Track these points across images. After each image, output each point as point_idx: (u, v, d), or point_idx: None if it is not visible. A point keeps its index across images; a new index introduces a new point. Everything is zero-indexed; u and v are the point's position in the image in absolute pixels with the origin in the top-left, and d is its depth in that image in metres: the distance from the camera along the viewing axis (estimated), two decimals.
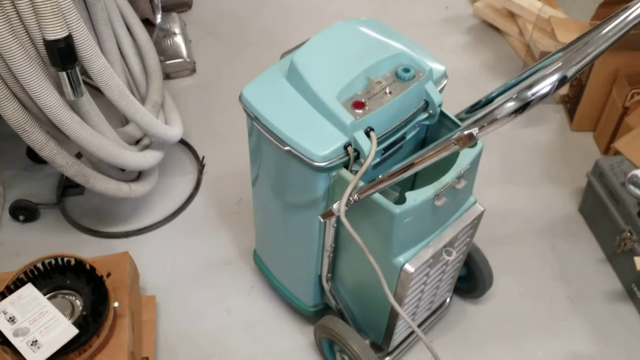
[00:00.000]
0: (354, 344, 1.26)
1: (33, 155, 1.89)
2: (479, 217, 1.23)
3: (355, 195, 1.02)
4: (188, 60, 2.21)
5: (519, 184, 1.88)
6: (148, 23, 2.01)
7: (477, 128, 0.79)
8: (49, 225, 1.77)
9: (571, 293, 1.59)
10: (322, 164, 1.03)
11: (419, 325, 1.45)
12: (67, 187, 1.83)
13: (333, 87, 1.05)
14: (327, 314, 1.43)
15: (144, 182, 1.65)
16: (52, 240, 1.73)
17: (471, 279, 1.49)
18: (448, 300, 1.51)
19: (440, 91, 1.16)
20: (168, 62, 2.19)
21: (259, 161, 1.25)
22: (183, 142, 1.98)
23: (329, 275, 1.31)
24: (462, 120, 1.18)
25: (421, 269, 1.14)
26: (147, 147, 1.65)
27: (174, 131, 1.63)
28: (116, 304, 1.30)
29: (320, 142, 1.03)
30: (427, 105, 1.14)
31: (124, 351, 1.28)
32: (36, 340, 1.20)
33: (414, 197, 1.04)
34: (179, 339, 1.52)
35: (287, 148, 1.05)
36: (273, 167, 1.20)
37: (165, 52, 2.20)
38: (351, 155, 1.04)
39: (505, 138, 2.01)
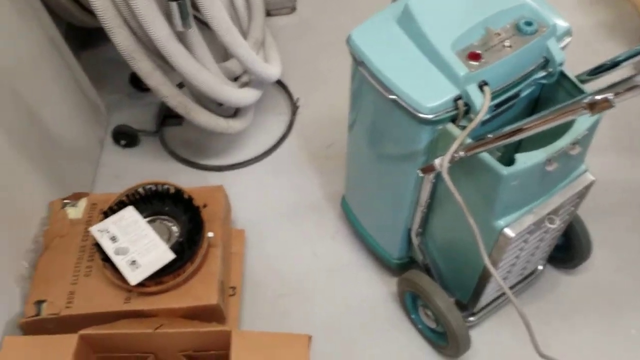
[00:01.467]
0: (439, 301, 1.25)
1: (136, 83, 1.94)
2: (588, 187, 1.16)
3: (462, 152, 0.98)
4: None
5: (626, 154, 1.75)
6: None
7: (612, 93, 0.72)
8: (148, 152, 1.84)
9: None
10: (429, 116, 0.99)
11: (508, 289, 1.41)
12: (167, 117, 1.88)
13: (448, 35, 1.00)
14: (411, 267, 1.42)
15: (241, 119, 1.67)
16: (150, 167, 1.80)
17: (569, 249, 1.43)
18: (540, 267, 1.45)
19: (563, 49, 1.08)
20: None
21: (358, 108, 1.22)
22: (278, 82, 1.97)
23: (420, 230, 1.29)
24: (582, 82, 1.10)
25: (521, 234, 1.10)
26: (245, 84, 1.66)
27: (274, 70, 1.62)
28: (210, 234, 1.34)
29: (429, 93, 0.99)
30: (546, 62, 1.06)
31: (214, 279, 1.33)
32: (135, 261, 1.26)
33: (524, 160, 0.98)
34: (264, 273, 1.56)
35: (392, 97, 1.01)
36: (374, 115, 1.17)
37: None
38: (461, 110, 1.00)
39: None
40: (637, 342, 1.39)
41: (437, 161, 1.03)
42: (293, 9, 2.21)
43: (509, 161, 1.00)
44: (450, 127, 1.02)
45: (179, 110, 1.47)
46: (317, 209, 1.69)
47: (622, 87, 0.72)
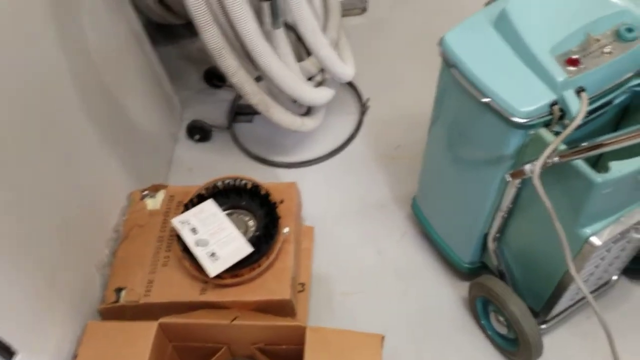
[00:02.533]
0: (514, 307, 1.24)
1: (209, 80, 1.99)
2: None
3: (556, 158, 0.98)
4: None
5: None
6: None
7: None
8: (220, 147, 1.88)
9: None
10: (523, 121, 0.99)
11: (578, 301, 1.39)
12: (238, 114, 1.92)
13: (546, 40, 0.99)
14: (481, 272, 1.41)
15: (314, 118, 1.70)
16: (222, 161, 1.84)
17: None
18: (615, 277, 1.42)
19: None
20: None
21: (443, 110, 1.23)
22: (349, 82, 1.98)
23: (497, 235, 1.28)
24: None
25: (606, 243, 1.08)
26: (320, 83, 1.68)
27: (349, 70, 1.64)
28: (286, 230, 1.37)
29: (525, 97, 0.99)
30: None
31: (288, 274, 1.35)
32: (214, 253, 1.29)
33: (619, 168, 0.97)
34: (332, 270, 1.58)
35: (485, 100, 1.02)
36: (461, 117, 1.17)
37: None
38: (555, 115, 0.99)
39: None
40: None
41: (527, 167, 1.03)
42: (364, 10, 2.23)
43: (592, 167, 0.99)
44: (544, 132, 1.01)
45: (259, 108, 1.50)
46: (385, 209, 1.70)
47: None
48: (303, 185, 1.76)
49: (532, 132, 1.03)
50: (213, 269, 1.27)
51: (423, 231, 1.59)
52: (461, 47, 1.06)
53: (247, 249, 1.29)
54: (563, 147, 0.99)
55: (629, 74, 1.03)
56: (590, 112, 1.05)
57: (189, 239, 1.31)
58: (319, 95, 1.58)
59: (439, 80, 1.18)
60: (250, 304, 1.34)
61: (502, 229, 1.27)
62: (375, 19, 2.22)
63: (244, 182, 1.42)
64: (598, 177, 0.97)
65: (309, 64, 1.64)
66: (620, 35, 1.01)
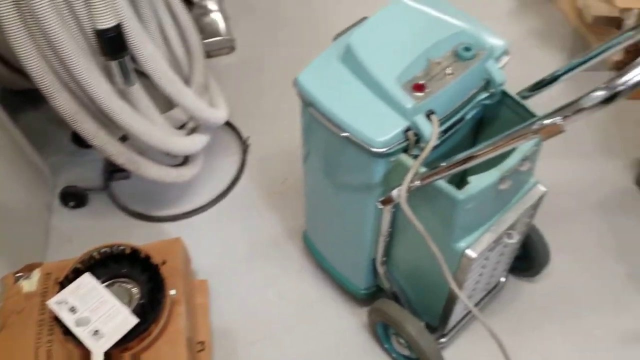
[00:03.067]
0: (410, 327, 1.25)
1: (78, 141, 1.89)
2: (541, 198, 1.19)
3: (418, 182, 0.99)
4: (227, 37, 2.18)
5: (571, 158, 1.82)
6: (186, 1, 1.98)
7: (560, 117, 0.75)
8: (99, 210, 1.79)
9: (629, 270, 1.55)
10: (382, 150, 1.00)
11: (475, 306, 1.42)
12: (113, 171, 1.83)
13: (392, 70, 1.01)
14: (379, 296, 1.42)
15: (190, 166, 1.65)
16: (102, 226, 1.74)
17: (527, 258, 1.46)
18: (503, 279, 1.48)
19: (502, 69, 1.11)
20: (207, 40, 2.16)
21: (311, 144, 1.23)
22: (226, 122, 1.95)
23: (384, 258, 1.29)
24: (524, 98, 1.14)
25: (482, 253, 1.12)
26: (193, 130, 1.64)
27: (221, 114, 1.62)
28: (173, 292, 1.31)
29: (380, 127, 1.00)
30: (487, 84, 1.09)
31: (182, 337, 1.29)
32: (98, 330, 1.21)
33: (478, 182, 1.00)
34: (232, 321, 1.53)
35: (344, 134, 1.02)
36: (327, 151, 1.17)
37: (203, 30, 2.17)
38: (411, 140, 1.01)
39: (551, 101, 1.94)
40: (603, 342, 1.42)
41: (394, 192, 1.04)
42: (232, 49, 2.22)
43: (459, 180, 1.02)
44: (404, 157, 1.03)
45: (127, 167, 1.44)
46: (279, 247, 1.67)
47: (569, 110, 0.74)
48: (192, 237, 1.70)
49: (393, 159, 1.04)
50: (98, 348, 1.19)
51: (319, 264, 1.58)
52: (315, 86, 1.06)
53: (132, 321, 1.22)
54: (423, 169, 1.01)
55: (474, 90, 1.08)
56: (444, 131, 1.09)
57: (69, 320, 1.22)
58: (192, 144, 1.54)
59: (301, 117, 1.18)
60: None
61: (388, 252, 1.28)
62: (245, 56, 2.21)
63: (121, 248, 1.34)
64: (459, 194, 0.99)
65: (179, 112, 1.60)
66: (459, 55, 1.05)
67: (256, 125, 1.96)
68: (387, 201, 1.08)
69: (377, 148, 1.00)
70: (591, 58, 1.05)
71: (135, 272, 1.32)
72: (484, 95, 1.10)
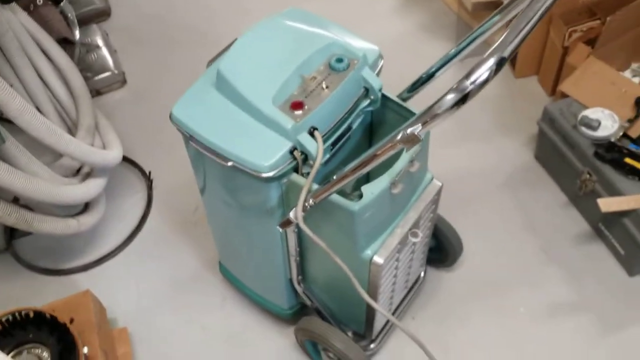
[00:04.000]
0: (337, 342, 1.23)
1: None
2: (438, 193, 1.21)
3: (311, 200, 0.98)
4: (116, 72, 2.11)
5: (470, 141, 1.86)
6: (67, 42, 1.90)
7: (419, 126, 0.75)
8: (3, 272, 1.68)
9: (542, 243, 1.60)
10: (270, 174, 0.98)
11: (399, 305, 1.43)
12: (14, 229, 1.73)
13: (267, 91, 1.00)
14: (305, 313, 1.40)
15: (92, 213, 1.58)
16: (9, 288, 1.64)
17: (441, 250, 1.48)
18: (422, 274, 1.49)
19: (378, 74, 1.12)
20: (96, 77, 2.08)
21: (203, 176, 1.19)
22: (126, 159, 1.89)
23: (300, 277, 1.27)
24: (404, 99, 1.15)
25: (390, 256, 1.12)
26: (88, 175, 1.57)
27: (113, 154, 1.55)
28: (85, 350, 1.24)
29: (264, 151, 0.98)
30: (367, 91, 1.09)
31: None
32: None
33: (371, 191, 1.00)
34: None
35: (230, 164, 1.00)
36: (220, 182, 1.15)
37: (91, 68, 2.09)
38: (299, 159, 1.00)
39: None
40: (528, 319, 1.46)
41: (291, 214, 1.03)
42: (124, 82, 2.14)
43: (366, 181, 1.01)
44: (295, 177, 1.02)
45: (19, 227, 1.36)
46: (199, 280, 1.62)
47: (426, 117, 0.74)
48: (106, 284, 1.64)
49: (285, 180, 1.03)
50: None
51: (240, 291, 1.54)
52: (192, 118, 1.03)
53: None
54: (316, 186, 1.00)
55: (354, 99, 1.08)
56: (334, 143, 1.08)
57: None
58: (86, 190, 1.47)
59: (187, 151, 1.14)
60: None
61: (303, 270, 1.27)
62: (138, 88, 2.14)
63: (24, 312, 1.27)
64: (355, 206, 0.99)
65: (68, 160, 1.52)
66: (333, 68, 1.04)
67: (157, 158, 1.90)
68: (285, 224, 1.06)
69: (265, 173, 0.98)
70: (464, 48, 1.06)
71: (43, 336, 1.25)
72: (366, 102, 1.10)
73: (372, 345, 1.38)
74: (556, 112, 1.58)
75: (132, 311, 1.57)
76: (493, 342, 1.43)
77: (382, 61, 1.14)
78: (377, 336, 1.39)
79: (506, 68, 2.05)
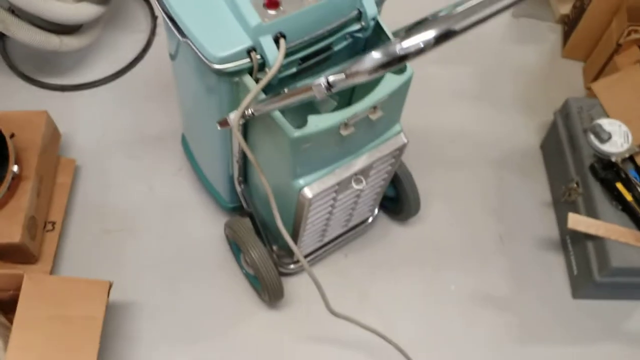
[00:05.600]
0: (254, 251, 1.22)
1: None
2: (401, 148, 1.13)
3: (250, 110, 0.92)
4: None
5: (484, 105, 1.74)
6: None
7: (342, 76, 0.66)
8: None
9: (503, 231, 1.52)
10: (220, 67, 0.91)
11: (334, 240, 1.40)
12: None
13: None
14: (243, 213, 1.38)
15: (80, 36, 1.53)
16: None
17: (398, 202, 1.42)
18: (371, 219, 1.44)
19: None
20: None
21: (174, 43, 1.12)
22: None
23: (240, 178, 1.24)
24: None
25: (323, 194, 1.07)
26: None
27: None
28: (15, 168, 1.24)
29: (220, 42, 0.90)
30: (360, 15, 0.99)
31: (21, 215, 1.25)
32: None
33: (316, 123, 0.93)
34: (94, 206, 1.48)
35: (184, 40, 0.92)
36: (182, 55, 1.08)
37: None
38: (255, 62, 0.92)
39: (486, 51, 1.84)
40: (455, 298, 1.42)
41: (231, 115, 0.97)
42: None
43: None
44: (247, 79, 0.95)
45: None
46: (164, 142, 1.60)
47: (347, 70, 0.66)
48: (75, 111, 1.63)
49: (236, 79, 0.96)
50: None
51: (194, 169, 1.52)
52: None
53: None
54: (264, 96, 0.93)
55: (342, 20, 0.97)
56: (304, 59, 0.99)
57: None
58: (75, 12, 1.41)
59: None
60: None
61: (244, 173, 1.23)
62: None
63: None
64: (294, 132, 0.92)
65: None
66: None
67: None
68: (223, 124, 1.00)
69: (215, 64, 0.91)
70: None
71: None
72: (356, 27, 1.00)
73: (291, 266, 1.37)
74: (574, 109, 1.45)
75: (89, 147, 1.56)
76: (411, 306, 1.40)
77: None
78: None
79: (557, 42, 1.87)
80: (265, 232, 1.33)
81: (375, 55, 0.62)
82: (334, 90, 0.70)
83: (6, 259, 1.29)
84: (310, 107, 1.11)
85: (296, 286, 1.39)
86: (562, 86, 1.78)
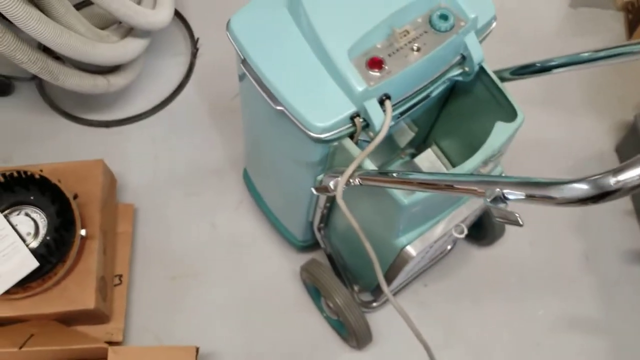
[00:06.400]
0: (339, 298, 1.15)
1: None
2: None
3: (358, 180, 0.84)
4: None
5: (551, 109, 1.64)
6: None
7: (519, 194, 0.58)
8: (24, 103, 1.59)
9: (588, 248, 1.45)
10: (321, 136, 0.82)
11: (418, 270, 1.34)
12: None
13: (346, 37, 0.80)
14: (315, 249, 1.32)
15: (125, 73, 1.44)
16: (24, 121, 1.56)
17: (480, 228, 1.35)
18: (449, 247, 1.37)
19: (483, 40, 0.91)
20: None
21: (246, 97, 1.03)
22: (176, 13, 1.71)
23: (322, 225, 1.16)
24: (503, 80, 0.95)
25: (425, 250, 0.99)
26: (130, 31, 1.40)
27: (160, 15, 1.37)
28: (83, 232, 1.17)
29: (321, 110, 0.82)
30: (463, 59, 0.90)
31: (92, 277, 1.19)
32: None
33: None
34: (157, 251, 1.42)
35: (279, 108, 0.84)
36: (263, 112, 0.98)
37: None
38: (358, 127, 0.83)
39: (544, 48, 1.73)
40: (544, 324, 1.36)
41: (332, 183, 0.89)
42: None
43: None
44: (348, 143, 0.86)
45: (43, 77, 1.23)
46: (220, 174, 1.52)
47: (534, 189, 0.58)
48: (123, 148, 1.55)
49: (335, 143, 0.87)
50: None
51: (257, 203, 1.44)
52: (250, 37, 0.86)
53: (32, 264, 1.10)
54: (369, 166, 0.85)
55: (446, 67, 0.88)
56: (402, 112, 0.91)
57: None
58: (123, 52, 1.32)
59: (237, 64, 0.97)
60: (50, 315, 1.18)
61: (326, 221, 1.15)
62: None
63: (30, 173, 1.18)
64: (405, 200, 0.84)
65: None
66: (433, 25, 0.84)
67: (212, 26, 1.69)
68: (321, 190, 0.92)
69: (316, 133, 0.82)
70: (603, 58, 0.83)
71: (44, 202, 1.17)
72: (457, 71, 0.91)
73: (374, 304, 1.31)
74: None
75: (142, 186, 1.49)
76: (500, 336, 1.34)
77: (495, 24, 0.92)
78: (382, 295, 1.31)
79: (622, 32, 1.75)
80: (345, 272, 1.26)
81: (581, 186, 0.53)
82: (504, 204, 0.62)
83: (79, 322, 1.24)
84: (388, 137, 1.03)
85: (379, 324, 1.33)
86: (634, 82, 1.67)
